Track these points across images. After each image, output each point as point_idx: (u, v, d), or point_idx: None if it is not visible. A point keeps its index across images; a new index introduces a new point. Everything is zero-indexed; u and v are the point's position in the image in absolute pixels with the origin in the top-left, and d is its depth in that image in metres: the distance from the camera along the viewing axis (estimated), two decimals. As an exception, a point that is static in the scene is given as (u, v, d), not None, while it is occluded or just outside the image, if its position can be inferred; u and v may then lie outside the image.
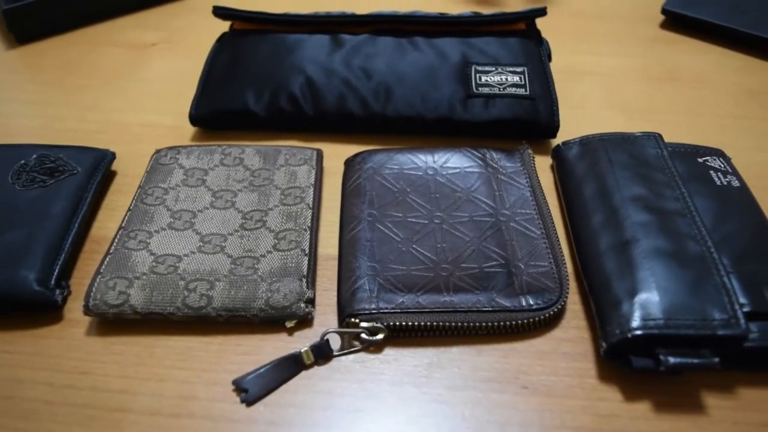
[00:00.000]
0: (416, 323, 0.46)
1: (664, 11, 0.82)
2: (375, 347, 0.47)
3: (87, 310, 0.47)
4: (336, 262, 0.52)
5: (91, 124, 0.68)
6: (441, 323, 0.46)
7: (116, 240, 0.51)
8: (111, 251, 0.50)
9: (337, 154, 0.62)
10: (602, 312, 0.46)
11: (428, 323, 0.46)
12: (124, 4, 0.86)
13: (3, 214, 0.52)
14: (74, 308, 0.50)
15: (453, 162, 0.58)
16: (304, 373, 0.45)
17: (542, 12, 0.67)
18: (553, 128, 0.62)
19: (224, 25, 0.75)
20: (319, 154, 0.60)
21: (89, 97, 0.72)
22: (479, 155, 0.59)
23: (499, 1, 0.88)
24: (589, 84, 0.74)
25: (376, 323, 0.46)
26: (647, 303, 0.44)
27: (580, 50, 0.79)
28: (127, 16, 0.86)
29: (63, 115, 0.69)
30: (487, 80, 0.63)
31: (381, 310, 0.46)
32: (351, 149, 0.62)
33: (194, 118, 0.65)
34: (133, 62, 0.78)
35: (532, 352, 0.47)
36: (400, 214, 0.54)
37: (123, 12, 0.86)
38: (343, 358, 0.46)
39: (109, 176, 0.61)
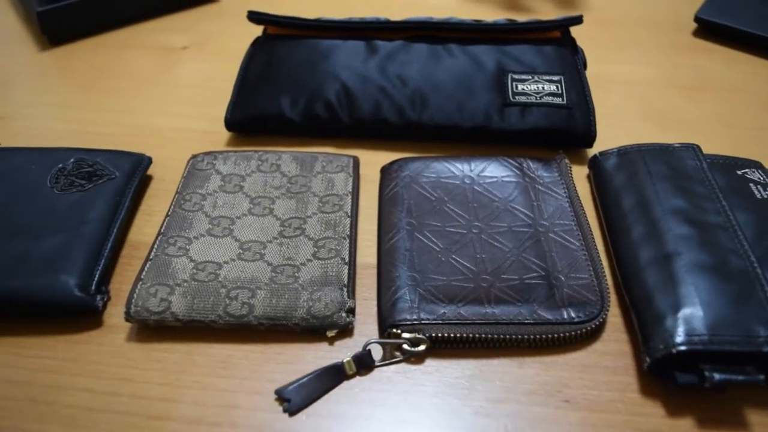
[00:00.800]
0: (459, 335, 0.46)
1: (696, 19, 0.82)
2: (416, 358, 0.47)
3: (128, 317, 0.47)
4: (374, 271, 0.52)
5: (124, 128, 0.68)
6: (483, 335, 0.46)
7: (156, 246, 0.51)
8: (151, 257, 0.50)
9: (371, 161, 0.62)
10: (645, 326, 0.45)
11: (471, 335, 0.46)
12: (155, 6, 0.86)
13: (43, 219, 0.53)
14: (114, 314, 0.50)
15: (490, 171, 0.58)
16: (345, 384, 0.45)
17: (578, 20, 0.67)
18: (590, 138, 0.62)
19: (254, 29, 0.75)
20: (356, 162, 0.60)
21: (121, 100, 0.72)
22: (516, 164, 0.59)
23: (532, 8, 0.88)
24: (620, 93, 0.73)
25: (418, 334, 0.46)
26: (691, 318, 0.44)
27: (610, 58, 0.79)
28: (157, 19, 0.86)
29: (95, 118, 0.70)
30: (523, 89, 0.63)
31: (422, 321, 0.46)
32: (385, 156, 0.62)
33: (230, 123, 0.65)
34: (164, 65, 0.78)
35: (573, 365, 0.46)
36: (439, 224, 0.53)
37: (154, 15, 0.86)
38: (384, 368, 0.46)
39: (145, 181, 0.61)
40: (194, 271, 0.49)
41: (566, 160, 0.59)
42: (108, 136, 0.67)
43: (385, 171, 0.60)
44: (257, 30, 0.75)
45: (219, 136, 0.67)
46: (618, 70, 0.77)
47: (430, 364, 0.46)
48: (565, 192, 0.56)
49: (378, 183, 0.60)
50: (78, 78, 0.76)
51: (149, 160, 0.60)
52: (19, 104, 0.72)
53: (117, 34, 0.83)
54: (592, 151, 0.62)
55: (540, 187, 0.57)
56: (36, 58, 0.79)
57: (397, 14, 0.74)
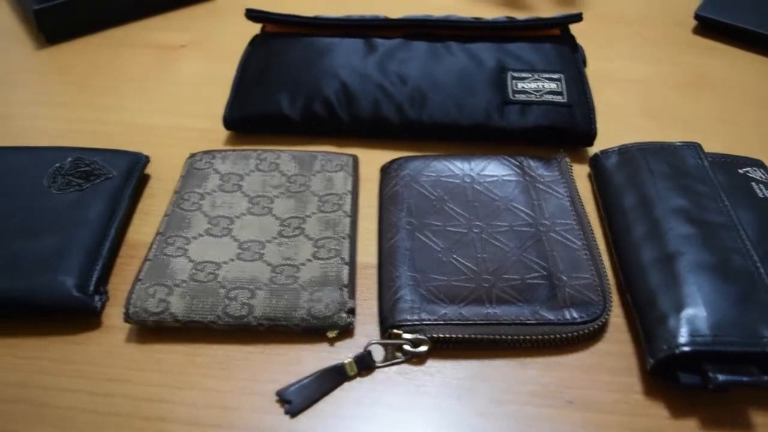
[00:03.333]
0: (460, 336, 0.45)
1: (696, 16, 0.81)
2: (417, 359, 0.46)
3: (127, 318, 0.46)
4: (374, 271, 0.52)
5: (122, 126, 0.68)
6: (485, 336, 0.45)
7: (154, 246, 0.51)
8: (150, 257, 0.50)
9: (371, 160, 0.62)
10: (648, 327, 0.45)
11: (472, 336, 0.45)
12: (152, 4, 0.85)
13: (40, 218, 0.52)
14: (112, 314, 0.49)
15: (490, 170, 0.58)
16: (346, 385, 0.45)
17: (578, 18, 0.67)
18: (590, 136, 0.61)
19: (253, 27, 0.74)
20: (355, 160, 0.60)
21: (119, 98, 0.72)
22: (516, 163, 0.58)
23: (531, 6, 0.87)
24: (620, 90, 0.73)
25: (419, 335, 0.45)
26: (694, 318, 0.43)
27: (610, 56, 0.78)
28: (155, 17, 0.85)
29: (92, 117, 0.69)
30: (523, 87, 0.62)
31: (424, 322, 0.46)
32: (385, 155, 0.62)
33: (228, 122, 0.64)
34: (162, 64, 0.77)
35: (576, 365, 0.46)
36: (439, 223, 0.53)
37: (151, 13, 0.85)
38: (385, 369, 0.46)
39: (143, 180, 0.61)
40: (193, 271, 0.49)
41: (567, 159, 0.59)
42: (106, 135, 0.66)
43: (385, 170, 0.59)
44: (255, 28, 0.74)
45: (217, 135, 0.66)
46: (617, 68, 0.76)
47: (432, 364, 0.46)
48: (566, 191, 0.56)
49: (378, 182, 0.59)
50: (75, 76, 0.75)
51: (147, 159, 0.60)
52: (15, 103, 0.71)
53: (114, 32, 0.83)
54: (593, 150, 0.61)
55: (541, 186, 0.56)
56: (33, 56, 0.79)
57: (395, 12, 0.73)
